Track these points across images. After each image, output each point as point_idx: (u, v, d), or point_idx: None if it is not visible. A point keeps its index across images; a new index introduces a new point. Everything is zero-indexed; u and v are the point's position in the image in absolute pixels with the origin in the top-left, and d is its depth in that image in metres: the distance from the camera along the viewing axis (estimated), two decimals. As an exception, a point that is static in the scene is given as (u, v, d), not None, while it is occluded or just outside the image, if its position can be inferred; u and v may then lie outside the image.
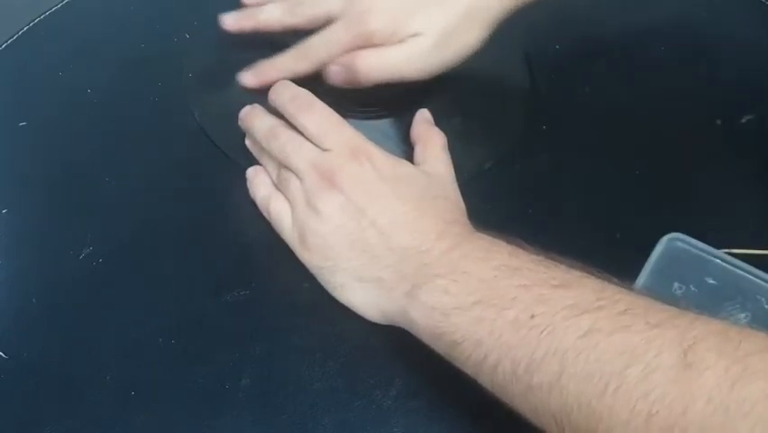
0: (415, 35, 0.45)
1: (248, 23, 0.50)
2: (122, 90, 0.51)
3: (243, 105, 0.47)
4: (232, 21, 0.50)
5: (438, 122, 0.48)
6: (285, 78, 0.46)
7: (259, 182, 0.44)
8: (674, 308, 0.31)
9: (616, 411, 0.28)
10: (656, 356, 0.28)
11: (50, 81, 0.52)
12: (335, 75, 0.46)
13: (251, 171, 0.45)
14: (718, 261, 0.41)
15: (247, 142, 0.46)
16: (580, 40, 0.54)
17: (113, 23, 0.56)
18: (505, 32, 0.54)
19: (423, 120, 0.47)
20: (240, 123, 0.46)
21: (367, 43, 0.46)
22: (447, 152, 0.45)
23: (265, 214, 0.43)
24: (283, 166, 0.42)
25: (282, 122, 0.44)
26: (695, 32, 0.55)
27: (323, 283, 0.40)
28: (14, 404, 0.37)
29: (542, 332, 0.31)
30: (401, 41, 0.45)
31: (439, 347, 0.35)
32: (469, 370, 0.34)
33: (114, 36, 0.55)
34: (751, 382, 0.26)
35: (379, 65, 0.45)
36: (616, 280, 0.33)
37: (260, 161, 0.45)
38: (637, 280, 0.40)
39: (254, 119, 0.45)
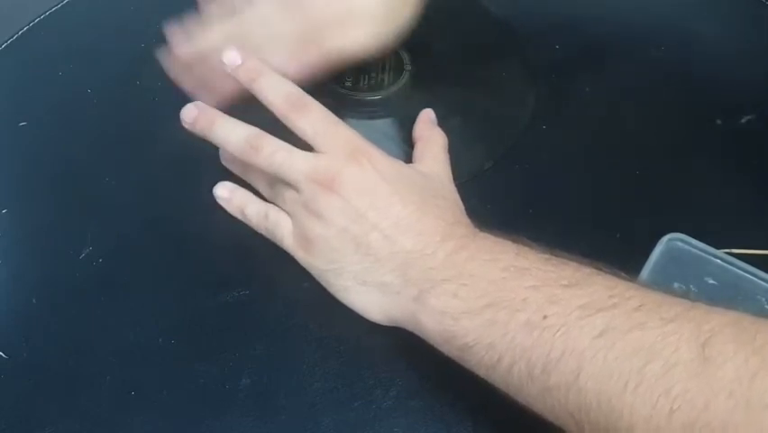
0: (359, 14, 0.42)
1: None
2: (122, 90, 0.51)
3: (243, 106, 0.47)
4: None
5: (438, 122, 0.48)
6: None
7: (244, 200, 0.43)
8: (687, 301, 0.30)
9: (637, 408, 0.28)
10: (674, 352, 0.28)
11: (50, 81, 0.52)
12: (295, 72, 0.43)
13: (224, 192, 0.44)
14: (718, 261, 0.41)
15: (224, 161, 0.45)
16: (580, 40, 0.54)
17: (113, 23, 0.56)
18: (505, 32, 0.55)
19: (426, 119, 0.47)
20: (188, 126, 0.43)
21: (314, 32, 0.43)
22: (446, 152, 0.44)
23: (259, 228, 0.43)
24: (278, 179, 0.41)
25: (257, 130, 0.41)
26: (695, 32, 0.55)
27: (325, 285, 0.40)
28: (14, 404, 0.37)
29: (556, 333, 0.31)
30: (343, 23, 0.42)
31: (449, 351, 0.35)
32: (481, 372, 0.34)
33: (114, 36, 0.55)
34: None
35: (329, 53, 0.43)
36: (624, 275, 0.33)
37: (245, 177, 0.44)
38: (637, 281, 0.40)
39: (224, 133, 0.42)
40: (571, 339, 0.30)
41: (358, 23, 0.42)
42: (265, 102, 0.41)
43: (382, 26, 0.43)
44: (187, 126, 0.43)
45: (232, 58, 0.42)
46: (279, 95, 0.41)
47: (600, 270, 0.33)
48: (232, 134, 0.41)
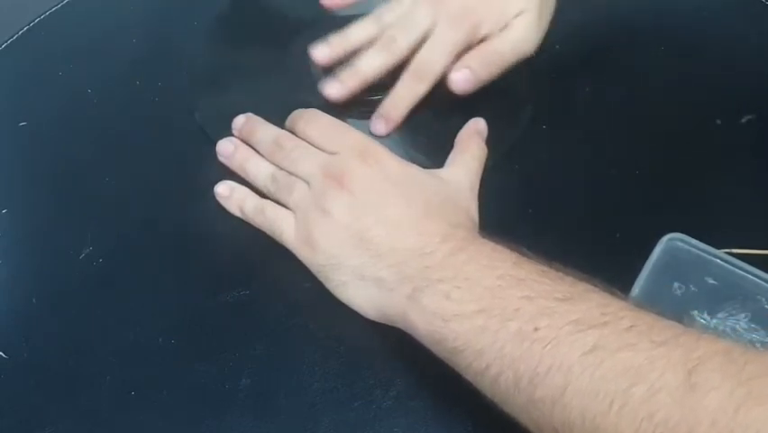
0: (519, 14, 0.46)
1: (353, 82, 0.48)
2: (122, 90, 0.51)
3: (244, 106, 0.47)
4: (337, 89, 0.48)
5: (438, 122, 0.48)
6: (411, 107, 0.47)
7: (242, 196, 0.44)
8: (679, 326, 0.30)
9: (620, 430, 0.28)
10: (661, 376, 0.28)
11: (50, 81, 0.52)
12: (461, 82, 0.46)
13: (224, 189, 0.44)
14: (718, 261, 0.41)
15: (222, 158, 0.46)
16: (580, 40, 0.54)
17: (113, 23, 0.56)
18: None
19: (472, 127, 0.47)
20: (236, 132, 0.46)
21: (475, 39, 0.46)
22: (479, 161, 0.45)
23: (257, 223, 0.43)
24: (283, 174, 0.42)
25: (285, 132, 0.44)
26: (695, 32, 0.55)
27: (323, 281, 0.40)
28: (14, 404, 0.37)
29: (545, 346, 0.31)
30: (507, 25, 0.46)
31: (439, 352, 0.35)
32: (469, 377, 0.34)
33: (114, 36, 0.55)
34: (755, 406, 0.26)
35: (503, 52, 0.46)
36: (620, 294, 0.33)
37: (242, 173, 0.45)
38: (637, 280, 0.40)
39: (256, 130, 0.45)
40: (560, 354, 0.30)
41: (521, 21, 0.46)
42: (287, 125, 0.45)
43: (540, 20, 0.47)
44: (235, 133, 0.46)
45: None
46: (292, 117, 0.45)
47: (596, 286, 0.33)
48: (263, 134, 0.45)
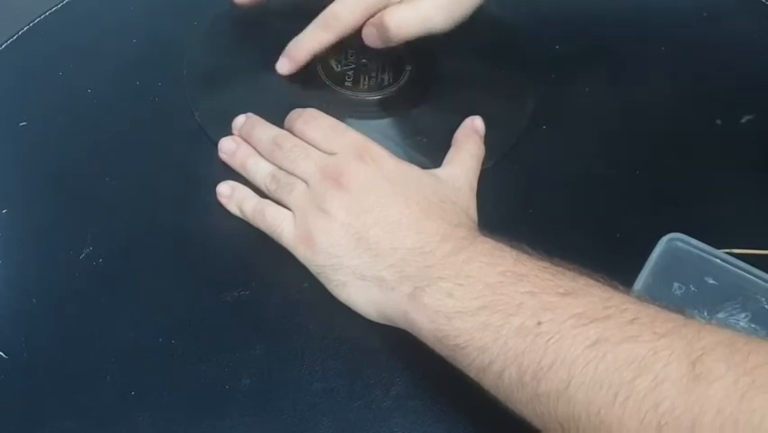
0: None
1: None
2: (122, 90, 0.51)
3: (243, 105, 0.47)
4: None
5: (438, 122, 0.48)
6: (314, 53, 0.47)
7: (242, 196, 0.44)
8: (681, 317, 0.31)
9: (625, 422, 0.28)
10: (665, 367, 0.28)
11: (50, 81, 0.52)
12: (368, 36, 0.47)
13: (226, 189, 0.44)
14: (718, 261, 0.41)
15: (224, 155, 0.46)
16: (580, 40, 0.54)
17: (113, 23, 0.56)
18: (505, 32, 0.55)
19: (469, 126, 0.47)
20: (236, 132, 0.46)
21: (390, 2, 0.46)
22: (476, 160, 0.45)
23: (257, 223, 0.43)
24: (283, 173, 0.43)
25: (284, 131, 0.44)
26: (695, 32, 0.55)
27: (324, 282, 0.40)
28: (14, 404, 0.37)
29: (549, 340, 0.31)
30: None
31: (441, 350, 0.35)
32: (472, 374, 0.34)
33: (114, 36, 0.55)
34: (760, 394, 0.26)
35: (409, 18, 0.46)
36: (621, 287, 0.33)
37: (243, 172, 0.45)
38: (637, 281, 0.40)
39: (255, 130, 0.45)
40: (563, 347, 0.30)
41: None
42: (285, 125, 0.45)
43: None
44: (235, 132, 0.47)
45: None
46: (295, 115, 0.45)
47: (597, 280, 0.33)
48: (261, 132, 0.45)
